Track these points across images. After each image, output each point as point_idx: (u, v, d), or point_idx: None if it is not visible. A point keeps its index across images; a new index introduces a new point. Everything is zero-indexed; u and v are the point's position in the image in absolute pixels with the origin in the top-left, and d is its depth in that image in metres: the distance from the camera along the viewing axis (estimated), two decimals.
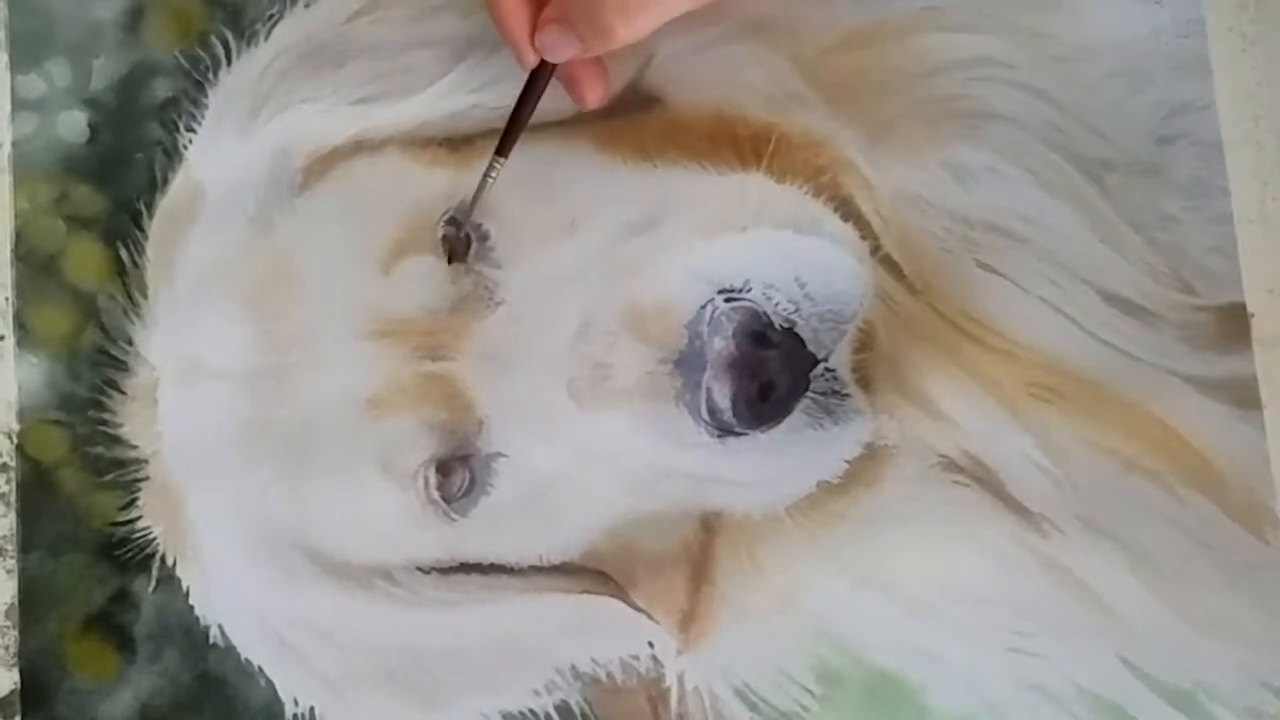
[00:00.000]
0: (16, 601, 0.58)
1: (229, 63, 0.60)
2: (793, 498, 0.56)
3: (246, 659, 0.57)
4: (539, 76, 0.55)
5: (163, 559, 0.58)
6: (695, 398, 0.56)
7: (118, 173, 0.60)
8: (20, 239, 0.60)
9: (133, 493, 0.58)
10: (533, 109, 0.56)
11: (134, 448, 0.58)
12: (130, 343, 0.59)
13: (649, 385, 0.56)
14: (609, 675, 0.56)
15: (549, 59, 0.54)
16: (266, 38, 0.60)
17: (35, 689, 0.57)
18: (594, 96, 0.56)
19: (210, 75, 0.60)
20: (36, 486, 0.58)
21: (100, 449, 0.58)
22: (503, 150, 0.56)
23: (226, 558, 0.57)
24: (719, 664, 0.55)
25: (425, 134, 0.59)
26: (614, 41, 0.53)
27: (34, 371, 0.59)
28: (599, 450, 0.56)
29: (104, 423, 0.58)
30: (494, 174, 0.56)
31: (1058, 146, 0.57)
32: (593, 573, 0.56)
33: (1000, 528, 0.55)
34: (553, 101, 0.57)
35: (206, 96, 0.60)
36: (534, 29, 0.54)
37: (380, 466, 0.57)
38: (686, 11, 0.53)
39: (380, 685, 0.56)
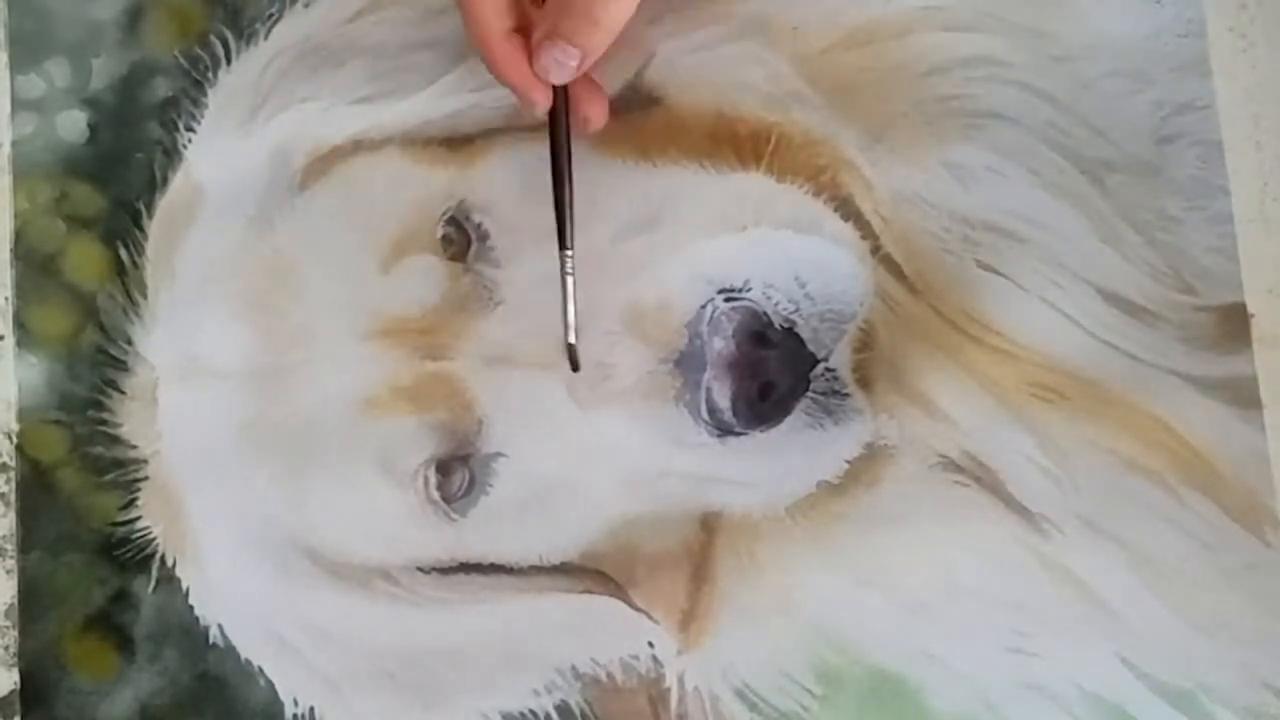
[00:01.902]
0: (16, 601, 0.58)
1: (228, 62, 0.60)
2: (793, 497, 0.56)
3: (246, 659, 0.57)
4: (558, 123, 0.55)
5: (162, 559, 0.58)
6: (695, 397, 0.56)
7: (117, 172, 0.60)
8: (20, 239, 0.60)
9: (132, 493, 0.58)
10: (570, 175, 0.55)
11: (134, 448, 0.58)
12: (130, 342, 0.59)
13: (649, 385, 0.56)
14: (609, 675, 0.56)
15: (555, 80, 0.53)
16: (266, 37, 0.60)
17: (35, 689, 0.57)
18: (598, 115, 0.56)
19: (210, 75, 0.60)
20: (36, 486, 0.58)
21: (100, 449, 0.58)
22: (566, 242, 0.55)
23: (226, 558, 0.57)
24: (719, 664, 0.55)
25: (425, 133, 0.59)
26: (600, 32, 0.52)
27: (34, 371, 0.59)
28: (599, 450, 0.56)
29: (104, 423, 0.58)
30: (570, 269, 0.55)
31: (1058, 146, 0.57)
32: (593, 573, 0.56)
33: (1000, 528, 0.55)
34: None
35: (206, 96, 0.60)
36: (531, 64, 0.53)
37: (380, 466, 0.57)
38: None
39: (380, 685, 0.56)
